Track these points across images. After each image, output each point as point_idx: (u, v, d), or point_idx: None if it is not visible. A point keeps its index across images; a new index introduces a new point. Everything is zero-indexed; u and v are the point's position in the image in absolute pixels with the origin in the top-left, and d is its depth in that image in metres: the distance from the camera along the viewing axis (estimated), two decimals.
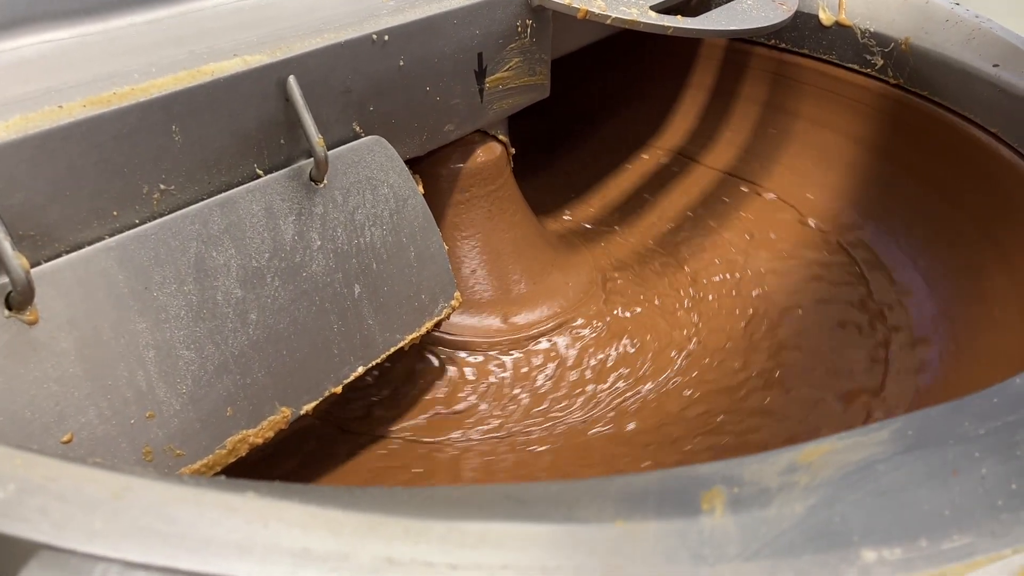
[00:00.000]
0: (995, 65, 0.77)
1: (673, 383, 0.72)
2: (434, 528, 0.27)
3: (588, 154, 1.07)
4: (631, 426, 0.67)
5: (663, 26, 0.74)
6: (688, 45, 1.08)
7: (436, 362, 0.74)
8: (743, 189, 0.99)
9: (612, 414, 0.69)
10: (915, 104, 0.85)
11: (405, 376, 0.72)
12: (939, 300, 0.78)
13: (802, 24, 0.95)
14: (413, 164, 0.69)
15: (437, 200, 0.75)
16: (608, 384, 0.73)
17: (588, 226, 0.93)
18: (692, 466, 0.32)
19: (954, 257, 0.80)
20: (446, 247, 0.66)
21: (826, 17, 0.92)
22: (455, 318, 0.76)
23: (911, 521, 0.30)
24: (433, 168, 0.74)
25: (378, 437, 0.67)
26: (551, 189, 1.00)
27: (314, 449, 0.65)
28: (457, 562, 0.26)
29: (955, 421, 0.36)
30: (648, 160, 1.06)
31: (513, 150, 0.79)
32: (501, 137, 0.77)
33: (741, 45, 1.03)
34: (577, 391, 0.72)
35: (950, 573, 0.28)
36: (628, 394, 0.72)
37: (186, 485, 0.27)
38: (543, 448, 0.66)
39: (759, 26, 0.79)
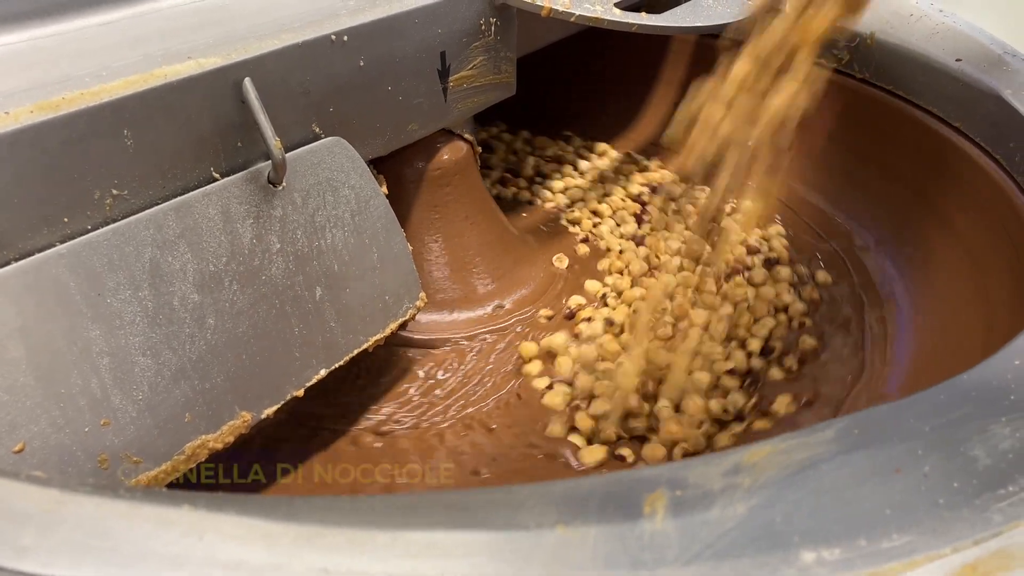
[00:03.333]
0: (958, 60, 0.78)
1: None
2: (375, 538, 0.27)
3: (556, 151, 1.07)
4: None
5: (627, 23, 0.74)
6: (658, 41, 1.07)
7: (399, 359, 0.73)
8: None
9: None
10: (880, 99, 0.86)
11: (367, 370, 0.72)
12: (907, 293, 0.79)
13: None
14: (377, 164, 0.69)
15: (402, 200, 0.74)
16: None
17: (559, 220, 0.93)
18: (637, 469, 0.32)
19: (916, 246, 0.80)
20: (410, 247, 0.65)
21: None
22: (422, 316, 0.76)
23: (851, 520, 0.30)
24: (398, 168, 0.73)
25: (338, 428, 0.67)
26: (519, 184, 1.00)
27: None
28: (394, 571, 0.26)
29: (901, 419, 0.36)
30: (616, 155, 1.06)
31: (479, 149, 0.79)
32: (467, 136, 0.77)
33: (710, 40, 1.03)
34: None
35: (889, 572, 0.28)
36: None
37: (120, 498, 0.26)
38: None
39: (723, 22, 0.79)
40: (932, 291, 0.77)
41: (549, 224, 0.92)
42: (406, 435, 0.66)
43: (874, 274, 0.83)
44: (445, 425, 0.67)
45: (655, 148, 1.07)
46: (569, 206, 0.96)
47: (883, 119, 0.86)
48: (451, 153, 0.76)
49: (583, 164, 1.03)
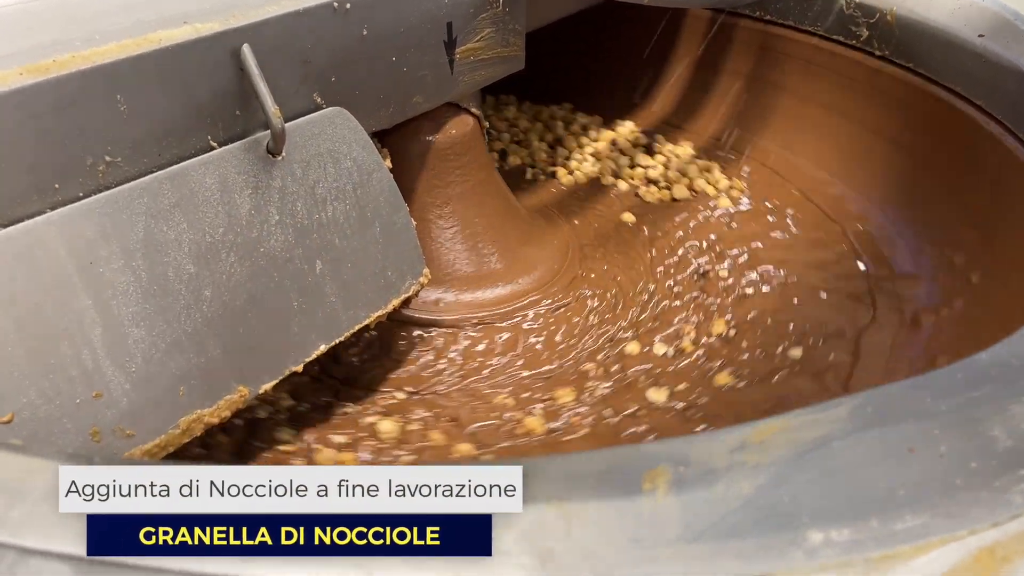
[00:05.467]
0: (980, 35, 0.75)
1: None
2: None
3: (568, 129, 1.05)
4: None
5: None
6: (673, 18, 1.05)
7: (407, 337, 0.72)
8: (726, 160, 0.98)
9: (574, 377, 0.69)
10: (900, 76, 0.84)
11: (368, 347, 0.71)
12: (923, 273, 0.77)
13: None
14: (381, 137, 0.68)
15: (407, 174, 0.73)
16: (577, 352, 0.72)
17: (568, 197, 0.92)
18: (638, 445, 0.31)
19: (935, 229, 0.78)
20: (414, 223, 0.64)
21: None
22: (429, 294, 0.75)
23: (862, 501, 0.29)
24: (403, 142, 0.72)
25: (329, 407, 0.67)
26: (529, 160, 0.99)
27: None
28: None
29: (917, 397, 0.34)
30: (631, 132, 1.04)
31: (487, 124, 0.78)
32: (474, 110, 0.75)
33: (726, 18, 1.01)
34: (544, 361, 0.72)
35: (901, 555, 0.27)
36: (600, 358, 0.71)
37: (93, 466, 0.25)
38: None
39: None
40: (950, 272, 0.75)
41: (558, 203, 0.91)
42: (402, 414, 0.65)
43: (889, 253, 0.81)
44: (447, 405, 0.66)
45: (667, 127, 1.05)
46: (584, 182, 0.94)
47: (902, 97, 0.83)
48: (458, 128, 0.74)
49: (593, 143, 1.02)
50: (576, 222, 0.87)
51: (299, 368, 0.55)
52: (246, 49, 0.51)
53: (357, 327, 0.59)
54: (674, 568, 0.26)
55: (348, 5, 0.58)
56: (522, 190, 0.91)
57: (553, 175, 0.96)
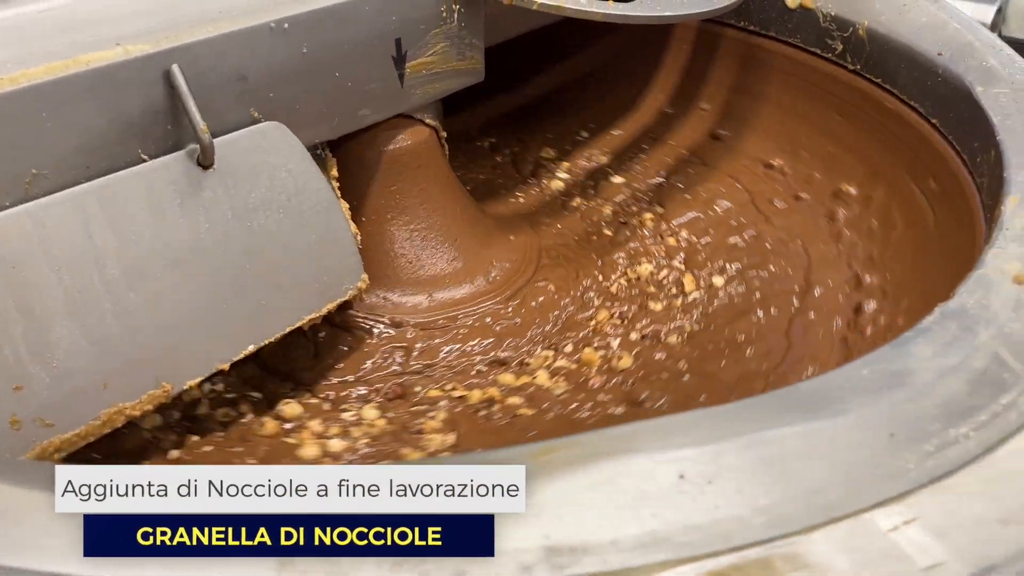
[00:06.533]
0: (939, 53, 0.75)
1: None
2: None
3: (551, 137, 1.07)
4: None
5: (591, 12, 0.74)
6: (658, 27, 1.06)
7: (358, 336, 0.75)
8: (704, 170, 0.99)
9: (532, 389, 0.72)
10: (869, 91, 0.84)
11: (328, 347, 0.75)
12: (874, 289, 0.77)
13: (769, 5, 0.93)
14: (335, 146, 0.71)
15: (362, 182, 0.76)
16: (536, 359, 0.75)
17: (540, 206, 0.94)
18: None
19: (894, 253, 0.78)
20: (355, 229, 0.67)
21: None
22: (387, 296, 0.78)
23: (603, 523, 0.31)
24: (358, 149, 0.75)
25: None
26: (505, 171, 1.01)
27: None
28: None
29: (715, 424, 0.36)
30: (611, 142, 1.05)
31: (444, 133, 0.80)
32: (428, 121, 0.77)
33: (712, 27, 1.02)
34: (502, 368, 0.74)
35: (627, 573, 0.29)
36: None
37: None
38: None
39: (694, 11, 0.78)
40: (901, 287, 0.75)
41: (525, 210, 0.93)
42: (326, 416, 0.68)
43: (839, 268, 0.81)
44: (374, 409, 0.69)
45: (647, 138, 1.05)
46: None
47: (871, 113, 0.84)
48: (412, 138, 0.76)
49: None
50: (540, 227, 0.89)
51: (226, 367, 0.59)
52: (175, 68, 0.54)
53: (289, 328, 0.63)
54: None
55: (286, 25, 0.61)
56: (490, 199, 0.94)
57: (523, 185, 0.98)
